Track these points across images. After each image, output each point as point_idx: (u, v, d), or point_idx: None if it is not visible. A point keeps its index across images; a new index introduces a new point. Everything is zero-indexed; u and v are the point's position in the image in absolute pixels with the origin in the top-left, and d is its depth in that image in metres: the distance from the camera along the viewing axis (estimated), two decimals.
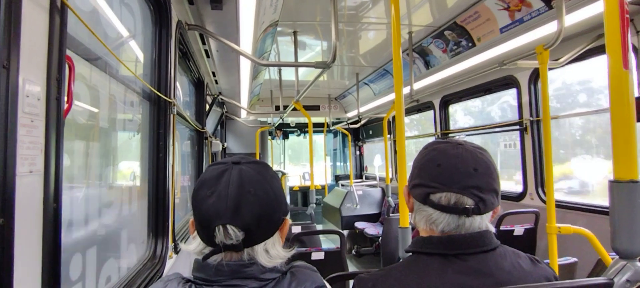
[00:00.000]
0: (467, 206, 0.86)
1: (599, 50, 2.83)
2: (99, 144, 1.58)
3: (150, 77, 2.01)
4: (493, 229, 0.92)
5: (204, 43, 3.25)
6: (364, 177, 8.62)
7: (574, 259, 2.29)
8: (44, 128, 0.82)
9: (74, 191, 1.31)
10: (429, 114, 5.62)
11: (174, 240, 2.14)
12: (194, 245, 0.85)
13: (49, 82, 0.84)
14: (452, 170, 0.88)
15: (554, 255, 2.20)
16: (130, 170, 2.00)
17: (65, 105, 0.94)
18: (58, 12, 0.87)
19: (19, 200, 0.73)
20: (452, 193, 0.87)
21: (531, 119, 3.51)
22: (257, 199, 0.81)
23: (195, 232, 0.85)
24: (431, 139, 5.39)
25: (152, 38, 2.03)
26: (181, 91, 3.28)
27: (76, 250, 1.21)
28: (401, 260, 1.00)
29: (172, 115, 2.09)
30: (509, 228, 3.15)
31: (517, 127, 3.69)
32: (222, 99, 5.19)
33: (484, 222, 0.90)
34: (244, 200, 0.80)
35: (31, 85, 0.78)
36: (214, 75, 4.29)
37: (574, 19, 2.58)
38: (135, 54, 1.95)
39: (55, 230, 0.85)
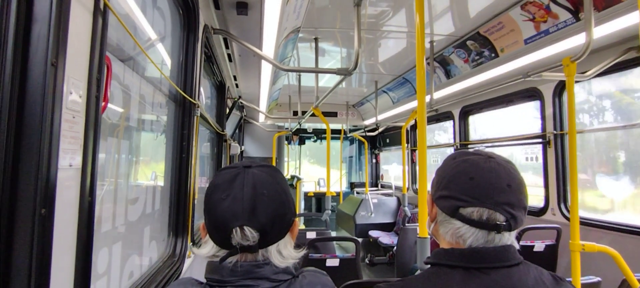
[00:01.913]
0: (498, 222, 0.85)
1: (629, 63, 2.76)
2: (126, 142, 1.63)
3: (177, 78, 2.06)
4: (517, 245, 0.90)
5: (227, 47, 3.32)
6: (379, 186, 8.56)
7: (598, 279, 2.21)
8: (84, 124, 0.86)
9: (103, 187, 1.36)
10: (439, 124, 5.59)
11: (192, 240, 2.17)
12: (207, 249, 0.86)
13: (90, 80, 0.88)
14: (485, 185, 0.86)
15: (577, 273, 2.14)
16: (154, 168, 2.04)
17: (102, 104, 0.98)
18: (100, 14, 0.91)
19: (60, 192, 0.76)
20: (484, 209, 0.85)
21: (555, 132, 3.43)
22: (271, 200, 0.84)
23: (207, 237, 0.87)
24: (450, 150, 5.34)
25: (180, 41, 2.08)
26: (204, 94, 3.35)
27: (103, 244, 1.25)
28: (421, 272, 0.98)
29: (195, 117, 2.14)
30: (529, 243, 3.08)
31: (540, 140, 3.61)
32: (242, 103, 5.27)
33: (511, 238, 0.89)
34: (258, 201, 0.82)
35: (74, 82, 0.82)
36: (235, 79, 4.37)
37: (602, 31, 2.53)
38: (164, 56, 2.01)
39: (89, 223, 0.88)
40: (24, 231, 0.69)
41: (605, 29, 2.51)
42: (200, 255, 0.88)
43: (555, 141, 3.44)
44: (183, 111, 2.08)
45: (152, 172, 2.07)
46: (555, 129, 3.43)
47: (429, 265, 0.94)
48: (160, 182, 2.05)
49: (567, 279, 0.96)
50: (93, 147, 0.89)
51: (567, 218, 3.28)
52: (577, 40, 2.68)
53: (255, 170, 0.87)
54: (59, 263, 0.77)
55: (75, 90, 0.82)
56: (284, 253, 0.86)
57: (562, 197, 3.40)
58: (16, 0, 0.71)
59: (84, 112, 0.86)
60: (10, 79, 0.69)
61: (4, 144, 0.68)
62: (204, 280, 0.87)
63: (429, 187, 1.06)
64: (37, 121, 0.71)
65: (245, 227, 0.80)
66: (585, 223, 3.02)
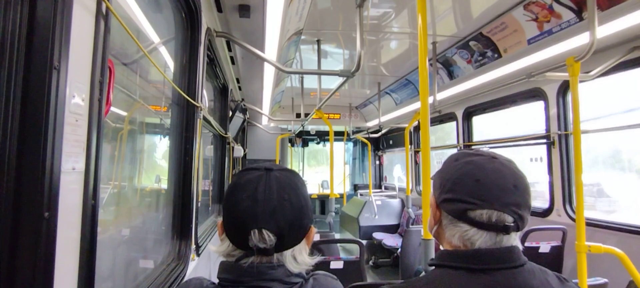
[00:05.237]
0: (507, 224, 0.84)
1: (635, 63, 2.74)
2: (129, 145, 1.63)
3: (180, 81, 2.07)
4: (521, 246, 0.89)
5: (229, 50, 3.33)
6: (383, 187, 8.54)
7: (605, 280, 2.19)
8: (87, 128, 0.86)
9: (106, 190, 1.36)
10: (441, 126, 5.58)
11: (196, 243, 2.17)
12: (223, 247, 0.87)
13: (93, 83, 0.88)
14: (492, 186, 0.85)
15: (584, 275, 2.12)
16: (157, 171, 2.05)
17: (105, 107, 0.98)
18: (103, 17, 0.91)
19: (63, 196, 0.77)
20: (493, 211, 0.84)
21: (559, 132, 3.41)
22: (291, 205, 0.84)
23: (224, 235, 0.87)
24: (453, 151, 5.31)
25: (183, 44, 2.09)
26: (207, 96, 3.36)
27: (107, 247, 1.25)
28: (425, 273, 0.98)
29: (198, 120, 2.14)
30: (534, 245, 3.05)
31: (544, 140, 3.58)
32: (244, 105, 5.28)
33: (516, 239, 0.88)
34: (279, 205, 0.82)
35: (77, 86, 0.82)
36: (238, 82, 4.38)
37: (606, 30, 2.51)
38: (167, 59, 2.01)
39: (92, 226, 0.88)
40: (28, 234, 0.69)
41: (609, 28, 2.49)
42: (217, 253, 0.88)
43: (560, 141, 3.42)
44: (186, 114, 2.08)
45: (155, 175, 2.08)
46: (559, 129, 3.41)
47: (433, 267, 0.93)
48: (164, 185, 2.05)
49: (574, 280, 0.95)
50: (96, 151, 0.90)
51: (573, 219, 3.25)
52: (580, 40, 2.66)
53: (277, 173, 0.87)
54: (62, 266, 0.77)
55: (78, 93, 0.83)
56: (299, 259, 0.86)
57: (567, 197, 3.38)
58: (18, 4, 0.71)
59: (87, 115, 0.87)
60: (13, 83, 0.70)
61: (7, 147, 0.68)
62: (216, 281, 0.87)
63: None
64: (40, 125, 0.71)
65: (263, 230, 0.80)
66: (591, 224, 2.99)
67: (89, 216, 0.87)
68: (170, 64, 2.06)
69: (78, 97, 0.83)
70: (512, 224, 0.84)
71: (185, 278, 1.91)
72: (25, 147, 0.70)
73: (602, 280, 2.16)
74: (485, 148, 1.01)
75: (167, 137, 2.10)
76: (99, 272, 1.13)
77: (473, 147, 4.87)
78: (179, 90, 1.91)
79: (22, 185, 0.70)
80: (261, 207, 0.81)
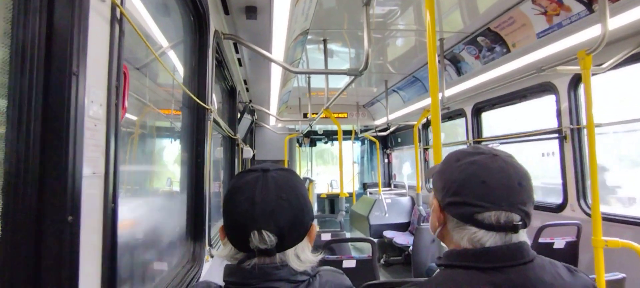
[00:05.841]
0: (515, 223, 0.84)
1: None
2: (143, 148, 1.65)
3: (190, 84, 2.08)
4: (529, 240, 0.89)
5: (237, 52, 3.35)
6: (392, 185, 8.51)
7: (622, 275, 2.16)
8: (105, 132, 0.88)
9: (122, 193, 1.38)
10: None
11: (209, 244, 2.19)
12: (226, 251, 0.87)
13: (110, 88, 0.89)
14: (499, 187, 0.84)
15: (601, 270, 2.09)
16: (170, 174, 2.07)
17: (121, 112, 1.00)
18: (118, 23, 0.93)
19: (84, 200, 0.78)
20: (501, 212, 0.84)
21: (571, 126, 3.37)
22: (290, 205, 0.84)
23: (226, 239, 0.87)
24: (463, 147, 5.26)
25: (191, 47, 2.11)
26: (215, 98, 3.38)
27: (126, 249, 1.27)
28: (436, 274, 0.97)
29: (209, 122, 2.16)
30: (548, 240, 3.02)
31: (556, 135, 3.54)
32: (252, 107, 5.30)
33: (524, 235, 0.88)
34: (278, 206, 0.82)
35: (95, 91, 0.84)
36: (246, 83, 4.40)
37: (618, 22, 2.47)
38: (176, 62, 2.03)
39: (113, 229, 0.89)
40: (53, 238, 0.71)
41: (621, 20, 2.45)
42: (219, 257, 0.89)
43: (572, 135, 3.37)
44: (197, 116, 2.10)
45: (167, 178, 2.10)
46: (571, 123, 3.37)
47: (442, 267, 0.92)
48: (176, 187, 2.07)
49: (591, 276, 0.94)
50: (114, 155, 0.91)
51: (588, 214, 3.21)
52: (591, 33, 2.62)
53: (274, 173, 0.87)
54: (86, 270, 0.79)
55: (96, 98, 0.84)
56: (302, 257, 0.86)
57: (582, 192, 3.33)
58: (37, 12, 0.73)
59: (105, 120, 0.88)
60: (34, 90, 0.71)
61: (30, 154, 0.70)
62: (222, 284, 0.87)
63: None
64: (61, 130, 0.72)
65: (263, 231, 0.80)
66: (607, 218, 2.95)
67: (110, 219, 0.88)
68: (180, 67, 2.08)
69: (96, 103, 0.84)
70: (520, 223, 0.84)
71: (201, 279, 1.93)
72: (48, 153, 0.72)
73: (620, 275, 2.13)
74: (486, 146, 0.98)
75: (178, 140, 2.12)
76: (119, 273, 1.15)
77: (483, 143, 4.83)
78: (190, 93, 1.93)
79: (46, 190, 0.71)
80: (259, 208, 0.81)
